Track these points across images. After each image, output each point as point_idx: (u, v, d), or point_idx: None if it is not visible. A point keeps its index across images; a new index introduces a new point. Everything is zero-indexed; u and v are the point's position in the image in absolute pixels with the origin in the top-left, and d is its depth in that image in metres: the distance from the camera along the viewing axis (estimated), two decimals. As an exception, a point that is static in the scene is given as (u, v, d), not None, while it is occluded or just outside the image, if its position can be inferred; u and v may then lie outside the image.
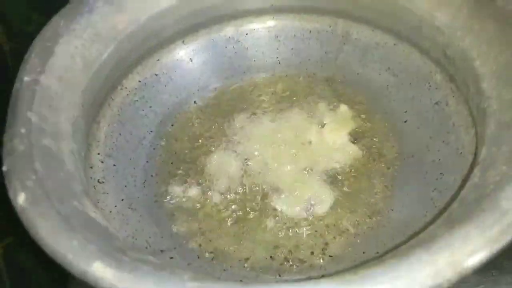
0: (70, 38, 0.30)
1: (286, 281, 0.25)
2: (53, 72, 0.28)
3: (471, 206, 0.19)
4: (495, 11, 0.27)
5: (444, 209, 0.22)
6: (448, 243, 0.17)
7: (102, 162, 0.31)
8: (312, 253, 0.28)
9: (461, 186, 0.22)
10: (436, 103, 0.33)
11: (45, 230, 0.18)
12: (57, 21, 0.30)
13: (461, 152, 0.29)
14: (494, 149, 0.22)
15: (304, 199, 0.30)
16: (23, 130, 0.23)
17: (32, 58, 0.27)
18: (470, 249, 0.16)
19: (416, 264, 0.16)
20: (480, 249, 0.16)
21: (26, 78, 0.26)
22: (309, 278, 0.25)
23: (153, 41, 0.36)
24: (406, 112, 0.34)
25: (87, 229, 0.19)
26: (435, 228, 0.19)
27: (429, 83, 0.34)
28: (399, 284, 0.15)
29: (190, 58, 0.39)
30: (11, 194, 0.20)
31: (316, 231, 0.29)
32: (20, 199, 0.19)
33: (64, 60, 0.29)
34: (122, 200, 0.30)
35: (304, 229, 0.29)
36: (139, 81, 0.36)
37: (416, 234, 0.21)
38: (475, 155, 0.26)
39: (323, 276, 0.21)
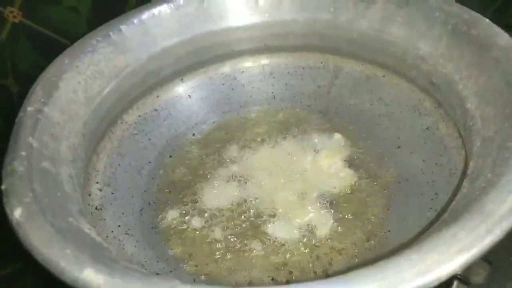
0: (73, 74, 0.31)
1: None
2: (56, 104, 0.29)
3: (459, 212, 0.19)
4: (471, 38, 0.28)
5: (436, 219, 0.22)
6: (436, 243, 0.17)
7: (100, 190, 0.32)
8: (315, 272, 0.28)
9: (452, 199, 0.23)
10: (427, 128, 0.34)
11: (38, 241, 0.18)
12: (62, 59, 0.31)
13: (454, 173, 0.30)
14: (480, 161, 0.23)
15: (301, 223, 0.30)
16: (23, 153, 0.24)
17: (37, 91, 0.28)
18: (458, 248, 0.16)
19: (405, 264, 0.16)
20: (467, 248, 0.16)
21: (29, 108, 0.27)
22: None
23: (153, 79, 0.38)
24: (399, 138, 0.35)
25: (80, 241, 0.19)
26: (426, 235, 0.19)
27: (419, 110, 0.35)
28: (388, 281, 0.15)
29: (189, 95, 0.41)
30: (7, 210, 0.20)
31: (313, 253, 0.29)
32: (17, 214, 0.20)
33: (67, 94, 0.30)
34: (119, 226, 0.30)
35: (303, 252, 0.29)
36: (139, 115, 0.38)
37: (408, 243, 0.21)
38: (464, 171, 0.26)
39: None
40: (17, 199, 0.21)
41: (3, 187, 0.21)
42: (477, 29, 0.29)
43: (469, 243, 0.16)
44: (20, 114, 0.27)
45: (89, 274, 0.17)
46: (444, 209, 0.24)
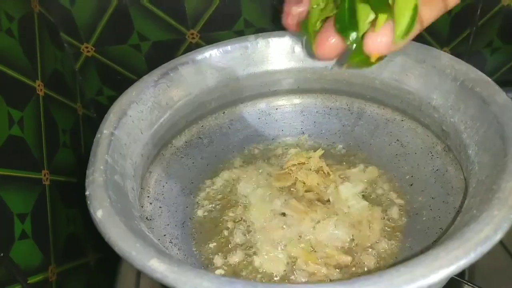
0: (138, 104, 0.38)
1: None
2: (124, 128, 0.35)
3: (445, 239, 0.23)
4: (475, 94, 0.33)
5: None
6: (423, 260, 0.21)
7: (150, 203, 0.38)
8: None
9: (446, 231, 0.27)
10: (438, 170, 0.38)
11: (116, 235, 0.24)
12: (131, 91, 0.38)
13: (458, 211, 0.34)
14: (472, 200, 0.27)
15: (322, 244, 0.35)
16: (102, 167, 0.30)
17: (111, 117, 0.35)
18: (438, 265, 0.21)
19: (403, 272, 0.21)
20: (447, 265, 0.21)
21: (105, 131, 0.34)
22: None
23: (200, 111, 0.45)
24: (412, 177, 0.40)
25: (145, 239, 0.25)
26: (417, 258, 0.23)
27: (431, 153, 0.40)
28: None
29: (229, 126, 0.47)
30: (91, 210, 0.26)
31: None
32: (99, 214, 0.26)
33: (132, 121, 0.37)
34: (164, 235, 0.35)
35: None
36: (186, 141, 0.44)
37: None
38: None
39: None
40: (98, 203, 0.27)
41: (87, 193, 0.28)
42: (481, 87, 0.33)
43: (448, 262, 0.21)
44: (98, 135, 0.33)
45: (154, 262, 0.22)
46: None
